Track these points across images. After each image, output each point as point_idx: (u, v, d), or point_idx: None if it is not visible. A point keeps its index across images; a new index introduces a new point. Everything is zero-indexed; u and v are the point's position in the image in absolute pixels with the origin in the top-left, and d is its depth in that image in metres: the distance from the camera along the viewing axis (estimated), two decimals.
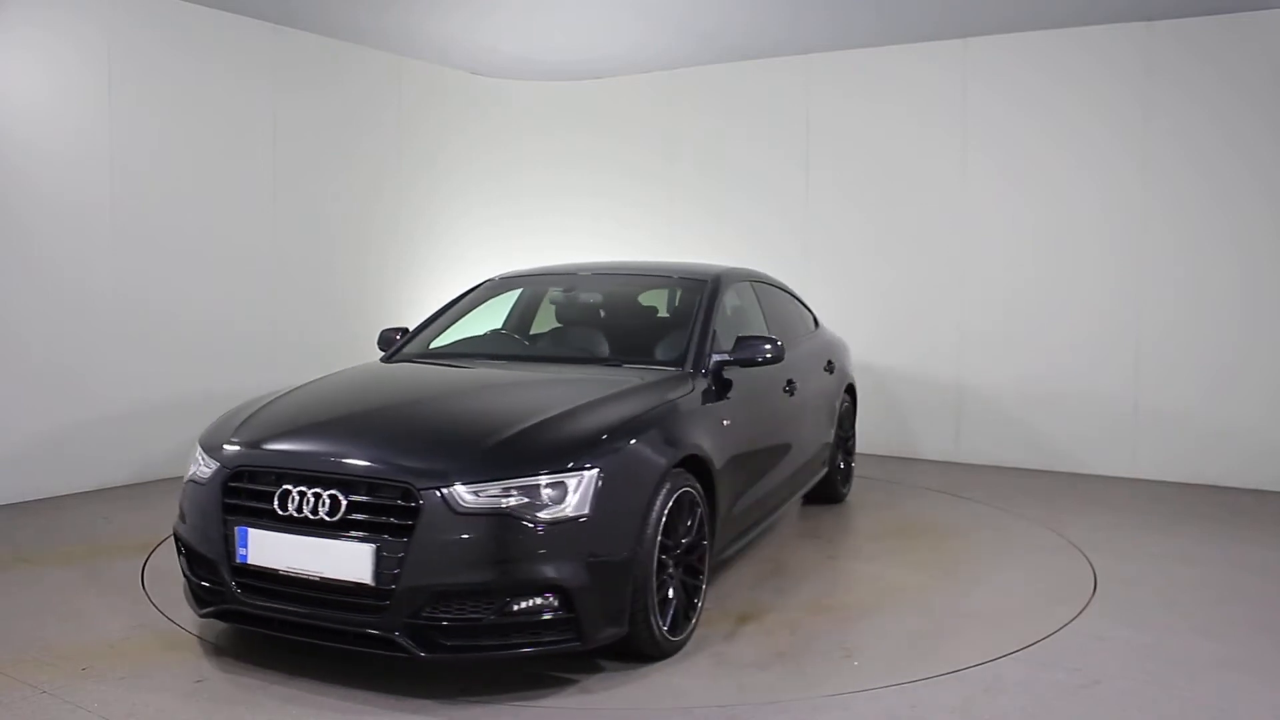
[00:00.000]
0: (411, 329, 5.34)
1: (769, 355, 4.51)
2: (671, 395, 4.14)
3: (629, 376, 4.32)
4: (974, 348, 7.78)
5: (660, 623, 3.66)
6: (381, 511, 3.39)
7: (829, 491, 6.27)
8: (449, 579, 3.30)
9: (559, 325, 5.38)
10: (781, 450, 5.14)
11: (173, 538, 3.96)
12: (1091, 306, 7.35)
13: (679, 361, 4.49)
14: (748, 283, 5.53)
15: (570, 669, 3.66)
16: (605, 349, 4.82)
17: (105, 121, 6.50)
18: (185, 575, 3.84)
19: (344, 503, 3.40)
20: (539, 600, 3.36)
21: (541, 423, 3.66)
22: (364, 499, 3.41)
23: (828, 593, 4.65)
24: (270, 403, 4.17)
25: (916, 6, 7.03)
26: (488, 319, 5.46)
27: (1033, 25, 7.33)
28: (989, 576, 4.94)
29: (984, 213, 7.72)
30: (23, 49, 6.14)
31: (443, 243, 8.93)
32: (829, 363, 6.08)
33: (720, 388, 4.48)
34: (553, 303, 5.53)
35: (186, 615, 4.12)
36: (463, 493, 3.34)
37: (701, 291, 4.92)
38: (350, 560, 3.35)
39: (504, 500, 3.35)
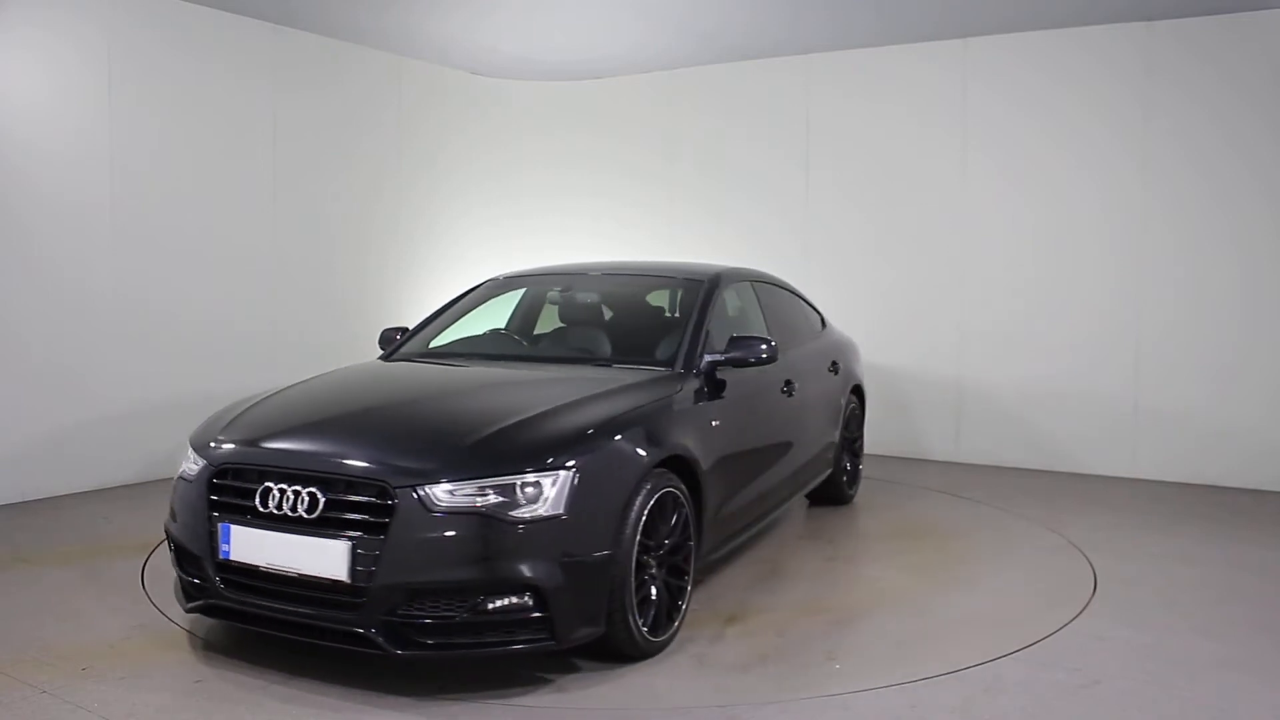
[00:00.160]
0: (412, 328, 5.38)
1: (762, 356, 4.50)
2: (657, 395, 4.14)
3: (618, 377, 4.32)
4: (974, 348, 7.78)
5: (639, 623, 3.66)
6: (358, 509, 3.42)
7: (835, 493, 6.24)
8: (423, 577, 3.33)
9: (557, 325, 5.39)
10: (778, 451, 5.12)
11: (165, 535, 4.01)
12: (1091, 306, 7.35)
13: (670, 362, 4.48)
14: (748, 283, 5.51)
15: (550, 668, 3.67)
16: (597, 349, 4.83)
17: (105, 121, 6.50)
18: (175, 570, 3.91)
19: (322, 500, 3.45)
20: (513, 599, 3.37)
21: (519, 422, 3.68)
22: (342, 497, 3.45)
23: (821, 595, 4.63)
24: (259, 401, 4.22)
25: (916, 6, 7.03)
26: (488, 319, 5.47)
27: (1033, 25, 7.33)
28: (989, 577, 4.94)
29: (984, 213, 7.72)
30: (23, 49, 6.14)
31: (443, 243, 8.93)
32: (833, 363, 6.05)
33: (713, 388, 4.47)
34: (550, 303, 5.54)
35: (187, 615, 4.11)
36: (437, 491, 3.37)
37: (697, 292, 4.92)
38: (327, 557, 3.39)
39: (479, 499, 3.37)
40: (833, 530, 5.81)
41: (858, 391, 6.50)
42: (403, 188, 8.58)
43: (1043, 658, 3.85)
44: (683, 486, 3.96)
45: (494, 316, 5.51)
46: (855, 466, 6.50)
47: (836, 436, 6.05)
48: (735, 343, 4.55)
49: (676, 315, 4.98)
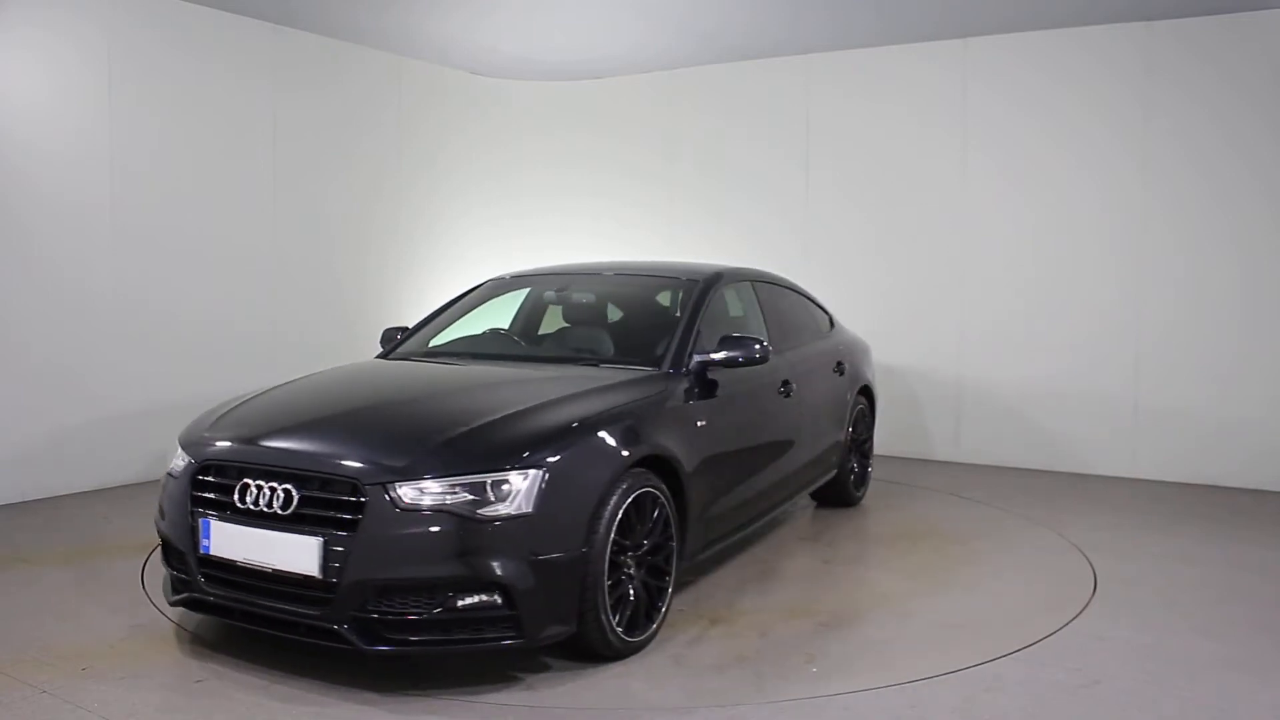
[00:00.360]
0: (411, 327, 5.43)
1: (753, 356, 4.50)
2: (639, 395, 4.14)
3: (603, 376, 4.33)
4: (974, 348, 7.78)
5: (613, 623, 3.66)
6: (330, 506, 3.46)
7: (841, 494, 6.20)
8: (392, 574, 3.36)
9: (553, 325, 5.42)
10: (774, 451, 5.10)
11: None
12: (1091, 306, 7.35)
13: (657, 362, 4.49)
14: (748, 283, 5.49)
15: (526, 666, 3.68)
16: (589, 349, 4.84)
17: (105, 121, 6.50)
18: (163, 565, 4.00)
19: (296, 497, 3.50)
20: (481, 597, 3.39)
21: (492, 422, 3.70)
22: (315, 494, 3.49)
23: (811, 597, 4.59)
24: (247, 400, 4.30)
25: (916, 6, 7.03)
26: (488, 319, 5.47)
27: (1033, 25, 7.33)
28: (989, 576, 4.94)
29: (984, 213, 7.72)
30: (23, 49, 6.14)
31: (443, 243, 8.93)
32: (839, 364, 6.00)
33: (704, 388, 4.47)
34: (546, 303, 5.56)
35: (186, 615, 4.12)
36: (406, 489, 3.40)
37: (691, 292, 4.92)
38: (299, 553, 3.43)
39: (447, 498, 3.40)
40: (833, 532, 5.80)
41: (866, 392, 6.43)
42: (403, 188, 8.58)
43: (1043, 658, 3.85)
44: (663, 486, 3.95)
45: (493, 316, 5.51)
46: (864, 468, 6.44)
47: (842, 437, 6.02)
48: (726, 343, 4.54)
49: (670, 316, 4.96)
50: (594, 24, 7.58)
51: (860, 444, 6.38)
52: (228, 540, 3.60)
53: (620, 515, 3.68)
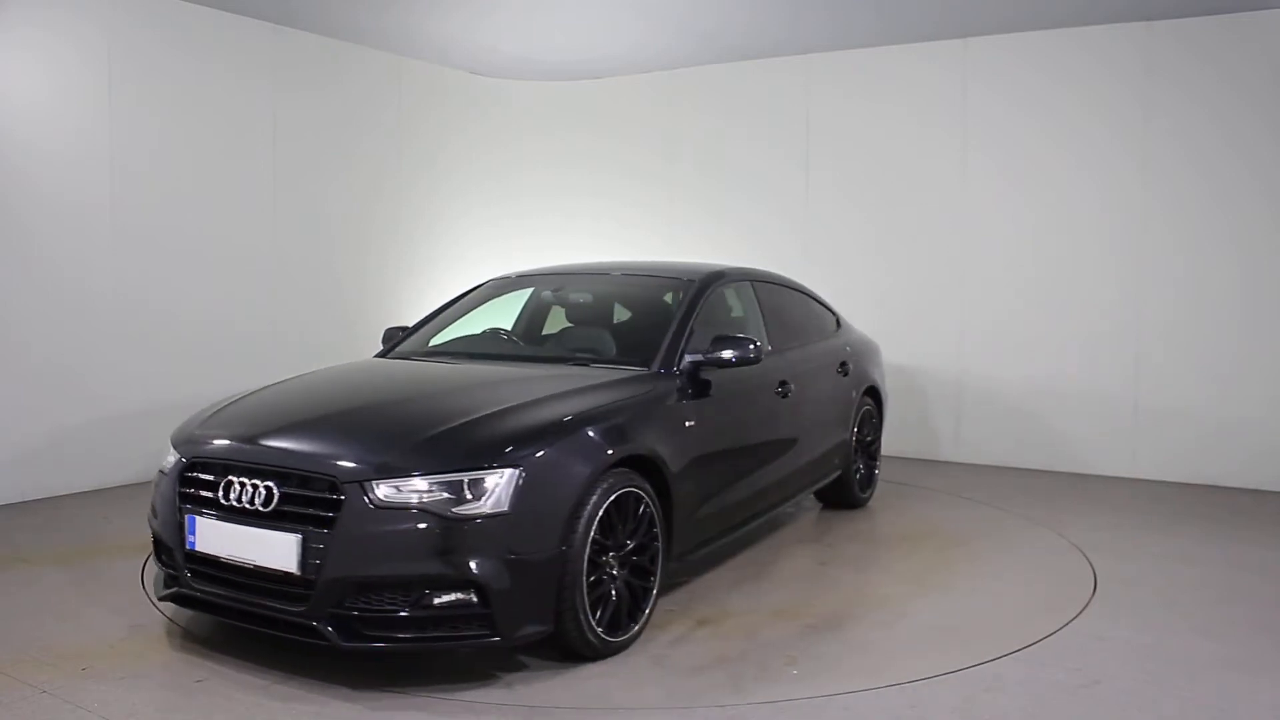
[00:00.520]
0: (410, 327, 5.47)
1: (745, 356, 4.49)
2: (624, 395, 4.14)
3: (592, 376, 4.33)
4: (974, 348, 7.78)
5: (593, 622, 3.66)
6: (309, 504, 3.49)
7: (846, 496, 6.16)
8: (368, 571, 3.39)
9: (550, 324, 5.44)
10: (770, 452, 5.08)
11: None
12: (1092, 306, 7.35)
13: (647, 362, 4.48)
14: (748, 283, 5.48)
15: (507, 665, 3.70)
16: (582, 348, 4.84)
17: (105, 121, 6.50)
18: (155, 561, 4.05)
19: (277, 494, 3.53)
20: (457, 595, 3.40)
21: (472, 421, 3.72)
22: (295, 491, 3.53)
23: (803, 599, 4.56)
24: (238, 399, 4.34)
25: (916, 6, 7.04)
26: (489, 318, 5.48)
27: (1033, 25, 7.33)
28: (989, 576, 4.94)
29: (984, 213, 7.72)
30: (23, 49, 6.14)
31: (443, 243, 8.93)
32: (842, 364, 5.96)
33: (697, 388, 4.46)
34: (544, 303, 5.57)
35: (187, 615, 4.13)
36: (383, 487, 3.42)
37: (685, 292, 4.91)
38: (278, 550, 3.47)
39: (423, 496, 3.42)
40: (834, 533, 5.78)
41: (872, 393, 6.38)
42: (403, 188, 8.58)
43: (1043, 658, 3.85)
44: (648, 487, 3.95)
45: (494, 316, 5.52)
46: (870, 469, 6.39)
47: (845, 438, 5.98)
48: (719, 343, 4.53)
49: (666, 316, 4.93)
50: (594, 24, 7.58)
51: (867, 445, 6.33)
52: (212, 536, 3.65)
53: (601, 515, 3.68)
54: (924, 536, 5.70)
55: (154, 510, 3.98)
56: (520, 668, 3.69)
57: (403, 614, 3.40)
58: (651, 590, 3.99)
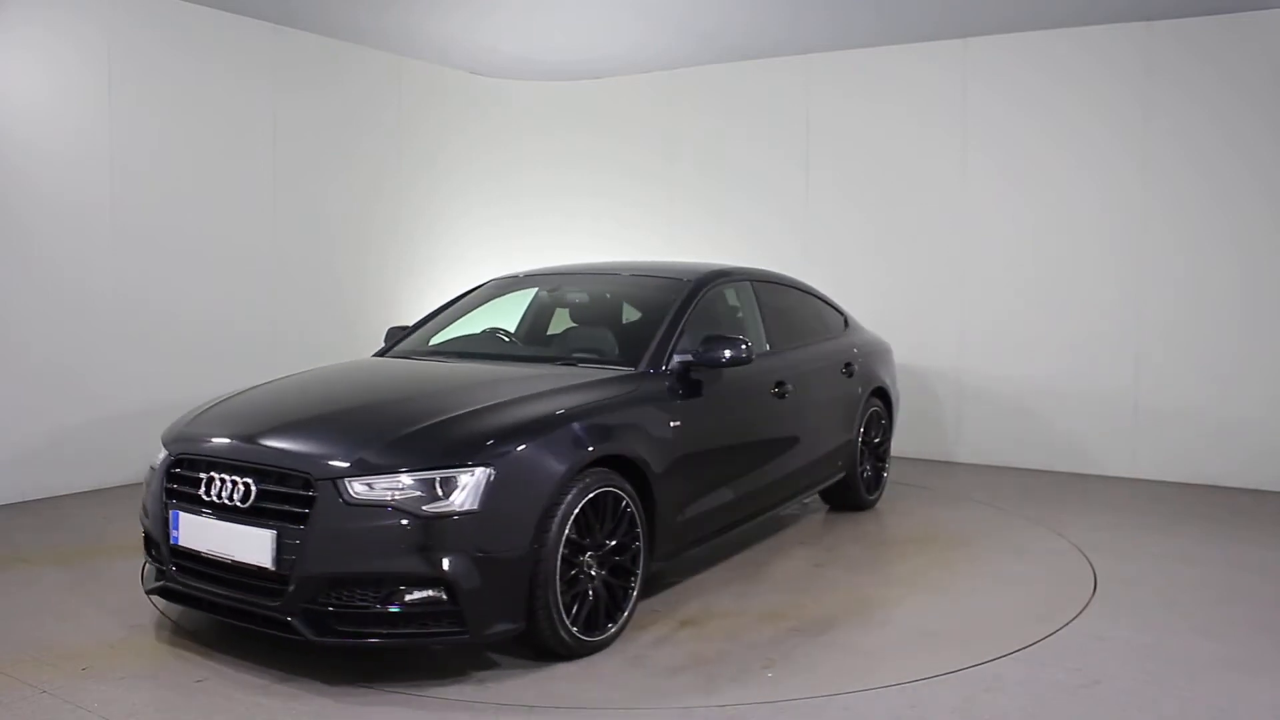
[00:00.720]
0: (410, 326, 5.51)
1: (735, 356, 4.47)
2: (607, 395, 4.15)
3: (578, 376, 4.34)
4: (974, 348, 7.78)
5: (567, 621, 3.66)
6: (284, 500, 3.54)
7: (852, 498, 6.10)
8: (340, 567, 3.43)
9: (555, 324, 5.44)
10: (765, 453, 5.05)
11: None
12: (1092, 306, 7.35)
13: (634, 361, 4.48)
14: (748, 283, 5.46)
15: (486, 662, 3.72)
16: (574, 348, 4.85)
17: (105, 121, 6.50)
18: (145, 556, 4.12)
19: (254, 491, 3.59)
20: (427, 593, 3.43)
21: (447, 420, 3.74)
22: (272, 488, 3.58)
23: (793, 601, 4.52)
24: (229, 397, 4.42)
25: (916, 6, 7.04)
26: (490, 318, 5.48)
27: (1033, 25, 7.33)
28: (989, 576, 4.93)
29: (984, 213, 7.72)
30: (23, 49, 6.14)
31: (443, 243, 8.93)
32: (847, 365, 5.91)
33: (686, 388, 4.45)
34: (540, 303, 5.58)
35: (186, 614, 4.13)
36: (355, 484, 3.47)
37: (680, 292, 4.91)
38: (254, 545, 3.53)
39: (393, 493, 3.45)
40: (834, 535, 5.75)
41: (881, 394, 6.33)
42: (403, 188, 8.58)
43: (1043, 658, 3.85)
44: (628, 487, 3.95)
45: (494, 316, 5.52)
46: (878, 471, 6.32)
47: (850, 440, 5.92)
48: (709, 343, 4.52)
49: (660, 316, 4.89)
50: (594, 24, 7.58)
51: (874, 447, 6.28)
52: (194, 531, 3.73)
53: (577, 514, 3.69)
54: (923, 537, 5.70)
55: (144, 508, 4.06)
56: (496, 665, 3.70)
57: (373, 610, 3.43)
58: (632, 591, 3.99)
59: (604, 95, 9.25)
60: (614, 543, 3.89)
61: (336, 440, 3.66)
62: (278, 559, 3.46)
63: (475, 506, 3.46)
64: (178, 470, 3.87)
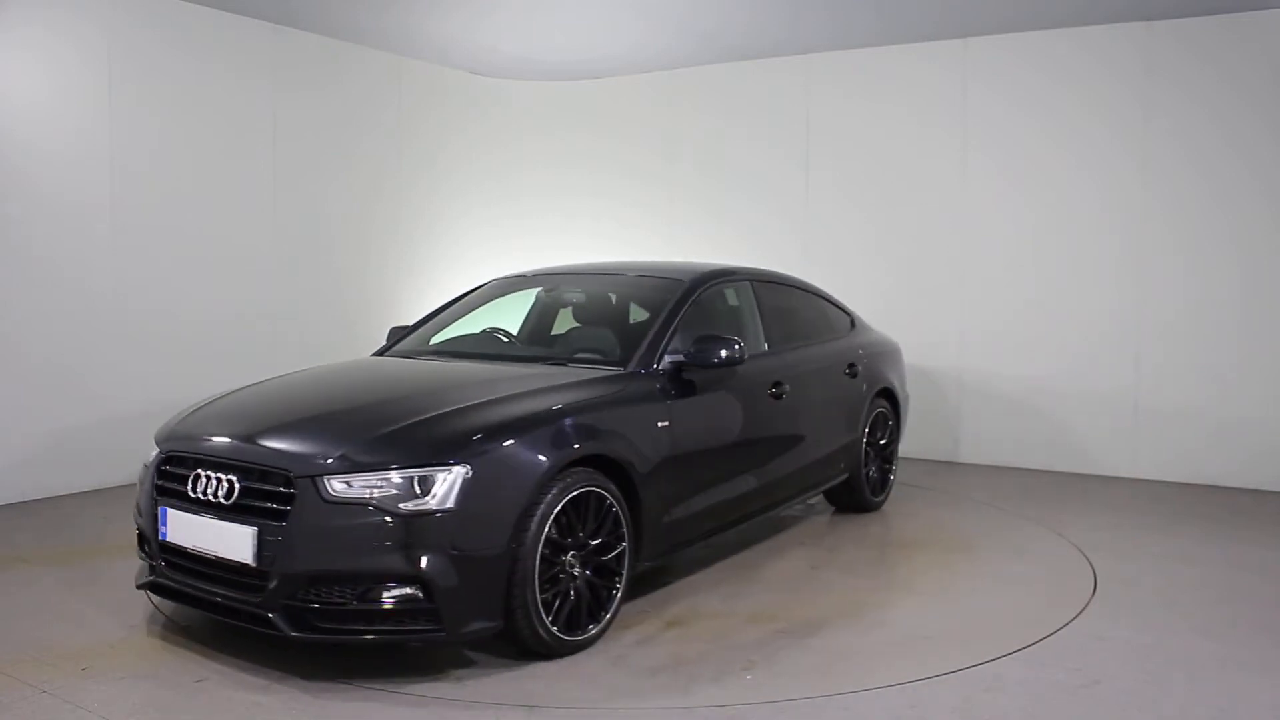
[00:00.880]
0: (410, 326, 5.55)
1: (726, 356, 4.46)
2: (592, 395, 4.15)
3: (565, 375, 4.34)
4: (974, 347, 7.78)
5: (546, 621, 3.67)
6: (266, 497, 3.59)
7: (857, 499, 6.06)
8: (318, 564, 3.47)
9: (542, 325, 5.48)
10: (760, 455, 5.02)
11: None
12: (1092, 306, 7.35)
13: (624, 361, 4.48)
14: (747, 283, 5.44)
15: (466, 659, 3.74)
16: (565, 348, 4.87)
17: (105, 121, 6.50)
18: (138, 551, 4.18)
19: (237, 488, 3.64)
20: (404, 590, 3.45)
21: (427, 419, 3.77)
22: (254, 485, 3.63)
23: (783, 603, 4.48)
24: (222, 396, 4.47)
25: (916, 6, 7.04)
26: (490, 318, 5.49)
27: (1033, 25, 7.33)
28: (988, 575, 4.93)
29: (984, 213, 7.72)
30: (23, 49, 6.14)
31: (443, 243, 8.93)
32: (850, 365, 5.87)
33: (678, 388, 4.45)
34: (537, 303, 5.59)
35: (187, 614, 4.13)
36: (333, 482, 3.50)
37: (674, 292, 4.90)
38: (236, 541, 3.58)
39: (371, 491, 3.49)
40: (834, 536, 5.72)
41: (887, 395, 6.26)
42: (403, 188, 8.58)
43: (1043, 658, 3.85)
44: (612, 487, 3.95)
45: (495, 315, 5.52)
46: (884, 473, 6.27)
47: (853, 441, 5.86)
48: (701, 343, 4.51)
49: (653, 315, 4.90)
50: (594, 24, 7.58)
51: (881, 448, 6.23)
52: (181, 527, 3.79)
53: (557, 514, 3.69)
54: (922, 538, 5.70)
55: (137, 506, 4.12)
56: (473, 663, 3.72)
57: (351, 607, 3.47)
58: (615, 590, 3.98)
59: (604, 95, 9.25)
60: (597, 543, 3.89)
61: (318, 439, 3.71)
62: (259, 555, 3.51)
63: (452, 505, 3.48)
64: (167, 467, 3.94)
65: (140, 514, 4.04)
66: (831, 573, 4.99)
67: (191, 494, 3.75)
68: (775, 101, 8.47)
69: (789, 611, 4.38)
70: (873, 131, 8.09)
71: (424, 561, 3.43)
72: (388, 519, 3.44)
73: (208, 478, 3.72)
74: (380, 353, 5.28)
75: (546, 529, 3.65)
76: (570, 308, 5.42)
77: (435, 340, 5.27)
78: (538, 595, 3.62)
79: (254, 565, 3.52)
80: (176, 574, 3.83)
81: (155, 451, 4.06)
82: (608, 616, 3.95)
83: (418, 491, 3.48)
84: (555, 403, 4.00)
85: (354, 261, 8.17)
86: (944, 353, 7.86)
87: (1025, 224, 7.57)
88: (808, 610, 4.40)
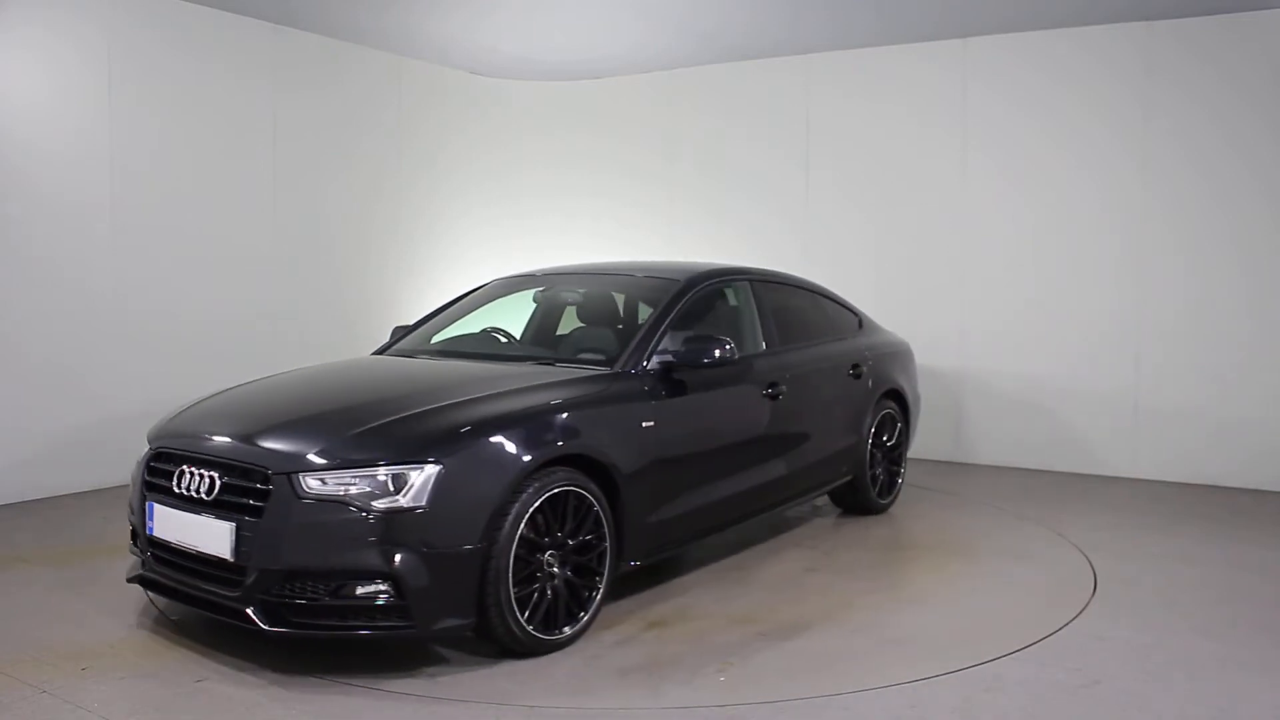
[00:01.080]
0: (410, 325, 5.58)
1: (718, 357, 4.45)
2: (574, 394, 4.14)
3: (550, 375, 4.34)
4: (974, 347, 7.78)
5: (521, 619, 3.67)
6: (244, 493, 3.65)
7: (862, 501, 6.00)
8: (293, 560, 3.51)
9: (539, 325, 5.50)
10: (753, 456, 4.98)
11: None
12: (1092, 306, 7.35)
13: (611, 361, 4.48)
14: (746, 283, 5.42)
15: (445, 656, 3.77)
16: (557, 348, 4.88)
17: (105, 121, 6.50)
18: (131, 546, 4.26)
19: (218, 484, 3.71)
20: (375, 586, 3.49)
21: (403, 417, 3.80)
22: (234, 481, 3.69)
23: (770, 605, 4.44)
24: (214, 395, 4.52)
25: (916, 6, 7.04)
26: (491, 317, 5.49)
27: (1033, 25, 7.33)
28: (988, 574, 4.93)
29: (984, 213, 7.72)
30: (23, 49, 6.14)
31: (443, 243, 8.93)
32: (855, 366, 5.83)
33: (669, 389, 4.44)
34: (533, 303, 5.59)
35: (186, 614, 4.13)
36: (308, 479, 3.55)
37: (668, 292, 4.89)
38: (215, 537, 3.64)
39: (344, 489, 3.53)
40: (835, 538, 5.68)
41: (895, 396, 6.20)
42: (403, 188, 8.58)
43: (1043, 658, 3.85)
44: (593, 486, 3.96)
45: (496, 315, 5.52)
46: (892, 475, 6.21)
47: (856, 442, 5.80)
48: (690, 343, 4.51)
49: (648, 315, 4.89)
50: (594, 24, 7.58)
51: (889, 450, 6.18)
52: (166, 523, 3.86)
53: (534, 512, 3.71)
54: (923, 540, 5.69)
55: (130, 503, 4.18)
56: (458, 661, 3.74)
57: (324, 602, 3.51)
58: (596, 590, 3.99)
59: (604, 95, 9.25)
60: (575, 542, 3.90)
61: (297, 437, 3.76)
62: (236, 550, 3.57)
63: (423, 503, 3.51)
64: (156, 464, 4.01)
65: (131, 510, 4.12)
66: (826, 575, 4.95)
67: (176, 489, 3.82)
68: (775, 101, 8.47)
69: (774, 614, 4.35)
70: (873, 131, 8.09)
71: (394, 558, 3.47)
72: (361, 516, 3.49)
73: (192, 474, 3.79)
74: (380, 351, 5.29)
75: (521, 527, 3.67)
76: (575, 308, 5.41)
77: (436, 339, 5.27)
78: (511, 593, 3.64)
79: (232, 560, 3.58)
80: (163, 568, 3.91)
81: (147, 448, 4.13)
82: (586, 616, 3.95)
83: (391, 489, 3.52)
84: (535, 402, 4.01)
85: (354, 261, 8.17)
86: (944, 352, 7.85)
87: (1025, 224, 7.57)
88: (793, 613, 4.37)
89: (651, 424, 4.30)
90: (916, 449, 7.89)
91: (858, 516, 6.10)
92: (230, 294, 7.22)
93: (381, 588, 3.49)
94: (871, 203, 8.12)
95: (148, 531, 3.93)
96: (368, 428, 3.74)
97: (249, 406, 4.21)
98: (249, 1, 6.95)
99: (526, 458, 3.75)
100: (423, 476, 3.53)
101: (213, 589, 3.67)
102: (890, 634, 4.13)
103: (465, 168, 9.10)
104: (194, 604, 3.81)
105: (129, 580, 4.11)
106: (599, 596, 4.00)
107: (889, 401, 6.16)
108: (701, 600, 4.51)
